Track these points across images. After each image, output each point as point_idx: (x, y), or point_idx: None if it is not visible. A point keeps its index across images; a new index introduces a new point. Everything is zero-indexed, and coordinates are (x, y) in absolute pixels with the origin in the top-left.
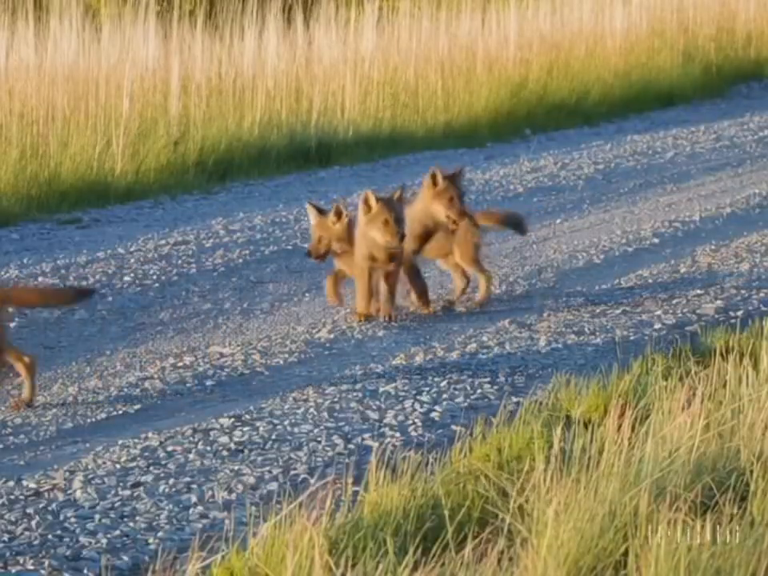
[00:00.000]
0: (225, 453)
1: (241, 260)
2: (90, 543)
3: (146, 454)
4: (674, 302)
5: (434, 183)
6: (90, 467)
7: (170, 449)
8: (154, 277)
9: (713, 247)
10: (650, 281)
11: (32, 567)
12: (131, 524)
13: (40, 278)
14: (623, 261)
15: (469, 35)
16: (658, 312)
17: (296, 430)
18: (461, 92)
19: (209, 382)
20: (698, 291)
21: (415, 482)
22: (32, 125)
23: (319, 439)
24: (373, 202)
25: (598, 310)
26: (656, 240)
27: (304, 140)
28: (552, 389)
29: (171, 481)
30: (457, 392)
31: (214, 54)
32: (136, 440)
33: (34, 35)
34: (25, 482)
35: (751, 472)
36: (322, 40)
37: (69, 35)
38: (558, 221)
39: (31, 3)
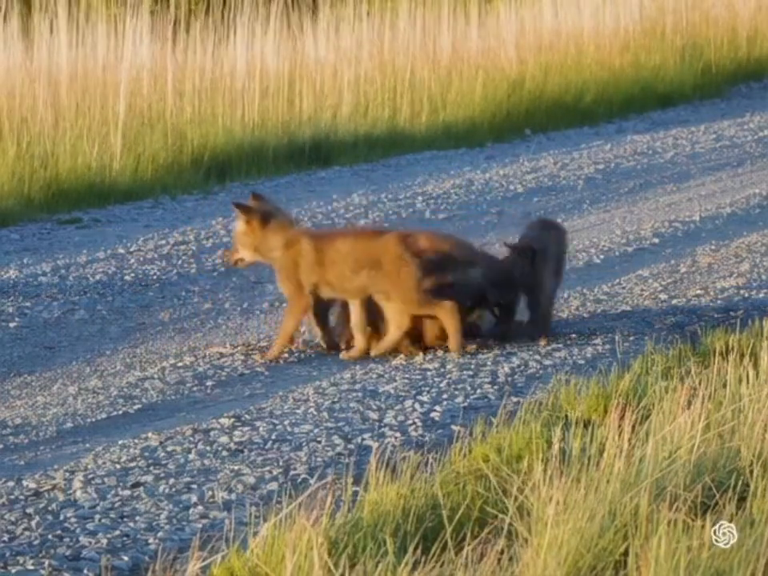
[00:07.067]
0: (225, 453)
1: None
2: (90, 543)
3: (146, 453)
4: (674, 301)
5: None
6: (89, 467)
7: (169, 449)
8: (154, 277)
9: (713, 247)
10: (650, 281)
11: (32, 567)
12: (131, 524)
13: (40, 278)
14: (623, 261)
15: (466, 34)
16: (658, 312)
17: (296, 429)
18: (459, 91)
19: (209, 382)
20: (698, 291)
21: (415, 481)
22: (29, 124)
23: (319, 439)
24: None
25: (598, 310)
26: (656, 240)
27: (303, 140)
28: (552, 389)
29: (171, 481)
30: (457, 392)
31: (211, 53)
32: (136, 440)
33: (27, 34)
34: (25, 482)
35: (751, 472)
36: (320, 39)
37: (63, 34)
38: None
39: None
